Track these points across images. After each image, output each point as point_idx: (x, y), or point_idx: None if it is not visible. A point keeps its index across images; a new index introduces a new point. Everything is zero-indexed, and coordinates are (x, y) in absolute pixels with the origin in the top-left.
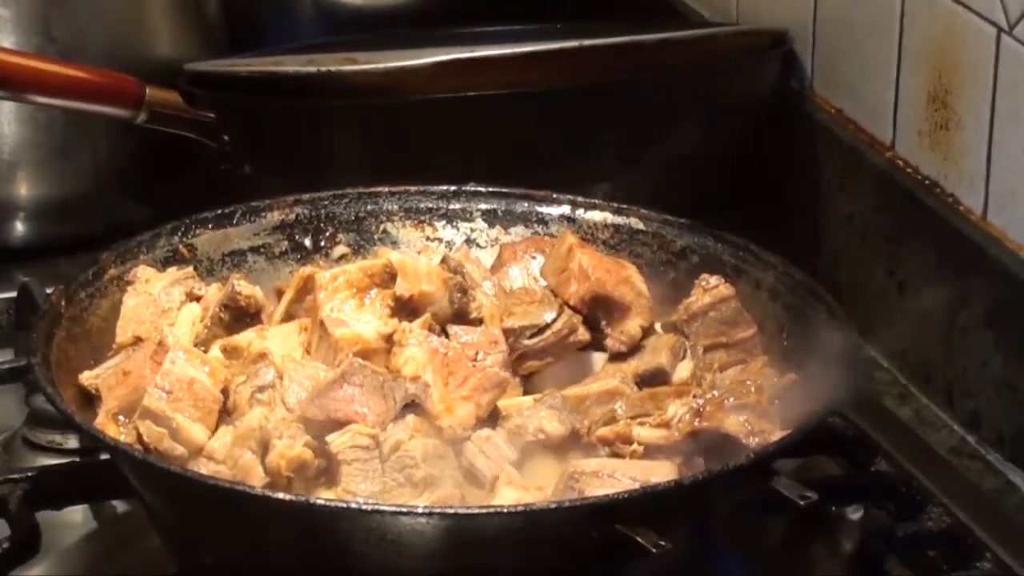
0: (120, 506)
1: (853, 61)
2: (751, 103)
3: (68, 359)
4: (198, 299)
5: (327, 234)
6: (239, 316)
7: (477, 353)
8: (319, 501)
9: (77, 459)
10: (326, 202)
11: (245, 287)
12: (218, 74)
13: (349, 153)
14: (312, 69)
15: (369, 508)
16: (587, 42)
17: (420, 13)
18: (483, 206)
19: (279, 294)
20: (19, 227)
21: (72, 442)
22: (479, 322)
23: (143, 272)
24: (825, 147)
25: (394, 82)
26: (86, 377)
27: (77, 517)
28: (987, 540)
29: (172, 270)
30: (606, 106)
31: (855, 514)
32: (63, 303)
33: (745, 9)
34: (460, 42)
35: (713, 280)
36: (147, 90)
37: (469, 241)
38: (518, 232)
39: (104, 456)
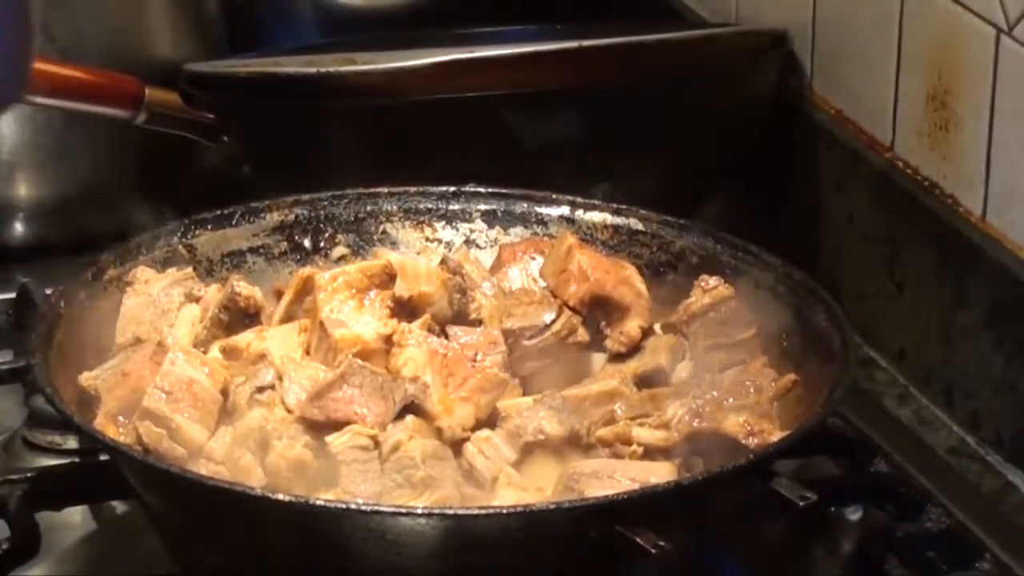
0: (120, 507)
1: (853, 61)
2: (750, 104)
3: (67, 360)
4: (197, 300)
5: (326, 235)
6: (238, 317)
7: (476, 354)
8: (318, 501)
9: (77, 460)
10: (325, 203)
11: (244, 288)
12: (217, 75)
13: (348, 154)
14: (311, 70)
15: (369, 509)
16: (586, 43)
17: (419, 14)
18: (482, 207)
19: (278, 295)
20: (18, 228)
21: (72, 443)
22: (478, 323)
23: (142, 273)
24: (824, 147)
25: (393, 83)
26: (85, 378)
27: (76, 518)
28: (986, 541)
29: (172, 271)
30: (605, 107)
31: (855, 515)
32: (62, 304)
33: (744, 10)
34: (459, 43)
35: (713, 281)
36: (146, 91)
37: (468, 242)
38: (517, 233)
39: (104, 457)
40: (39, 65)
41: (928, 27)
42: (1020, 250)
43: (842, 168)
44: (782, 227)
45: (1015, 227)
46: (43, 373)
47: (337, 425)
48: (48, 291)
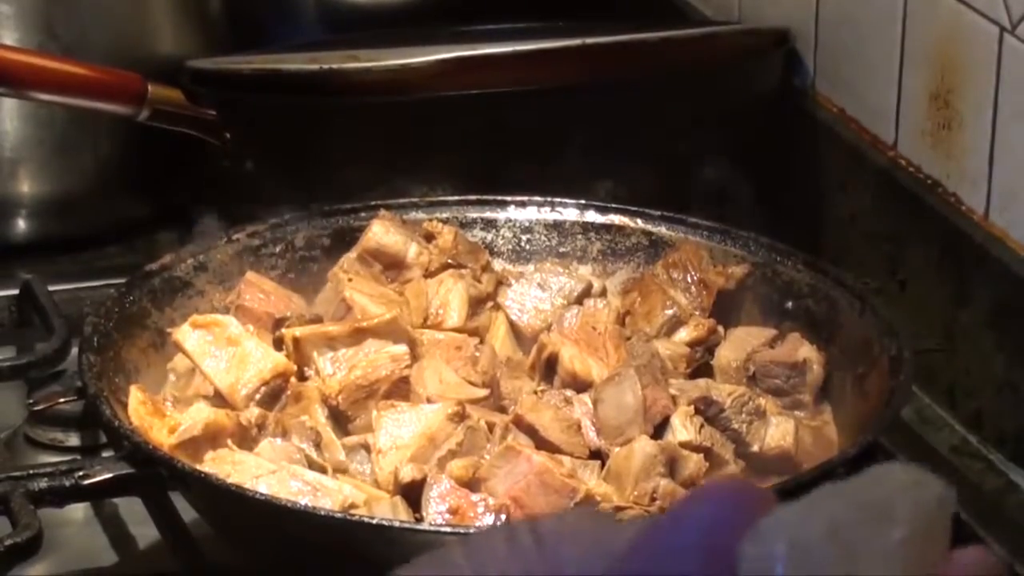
0: (122, 504)
1: (855, 60)
2: (753, 102)
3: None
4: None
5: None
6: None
7: None
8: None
9: (79, 457)
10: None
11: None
12: (221, 71)
13: (351, 151)
14: (315, 67)
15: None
16: (590, 40)
17: (423, 11)
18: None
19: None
20: (20, 224)
21: (74, 440)
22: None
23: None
24: (827, 146)
25: (397, 80)
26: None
27: (78, 515)
28: (988, 540)
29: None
30: (608, 104)
31: None
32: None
33: (747, 8)
34: (463, 40)
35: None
36: (149, 87)
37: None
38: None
39: (105, 454)
40: (42, 61)
41: (931, 26)
42: (1023, 249)
43: (844, 167)
44: (783, 226)
45: (1018, 226)
46: (107, 407)
47: None
48: (52, 288)
